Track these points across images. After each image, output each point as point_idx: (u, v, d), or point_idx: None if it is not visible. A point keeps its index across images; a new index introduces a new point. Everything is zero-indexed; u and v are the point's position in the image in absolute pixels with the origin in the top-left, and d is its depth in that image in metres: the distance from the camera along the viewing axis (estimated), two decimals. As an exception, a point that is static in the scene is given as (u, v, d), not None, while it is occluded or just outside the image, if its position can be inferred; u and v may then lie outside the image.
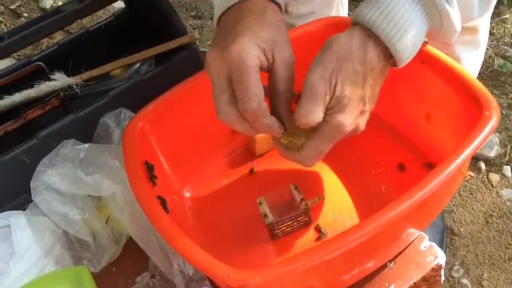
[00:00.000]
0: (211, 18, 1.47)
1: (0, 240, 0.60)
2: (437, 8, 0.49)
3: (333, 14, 0.95)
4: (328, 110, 0.49)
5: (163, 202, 0.58)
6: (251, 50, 0.47)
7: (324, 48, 0.50)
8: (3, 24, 1.51)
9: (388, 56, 0.51)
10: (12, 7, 1.53)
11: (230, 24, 0.50)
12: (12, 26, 1.50)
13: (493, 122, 0.54)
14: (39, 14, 1.52)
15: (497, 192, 1.13)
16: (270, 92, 0.51)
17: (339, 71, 0.48)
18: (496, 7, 1.37)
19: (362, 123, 0.52)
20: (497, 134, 1.19)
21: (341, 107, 0.49)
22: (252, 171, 0.69)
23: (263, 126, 0.49)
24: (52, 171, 0.61)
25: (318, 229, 0.63)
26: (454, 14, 0.50)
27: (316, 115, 0.48)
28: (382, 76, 0.52)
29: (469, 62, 0.80)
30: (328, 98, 0.48)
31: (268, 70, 0.50)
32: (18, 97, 0.73)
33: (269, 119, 0.48)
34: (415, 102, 0.66)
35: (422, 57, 0.61)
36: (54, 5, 1.54)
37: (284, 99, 0.51)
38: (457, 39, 0.75)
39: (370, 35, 0.49)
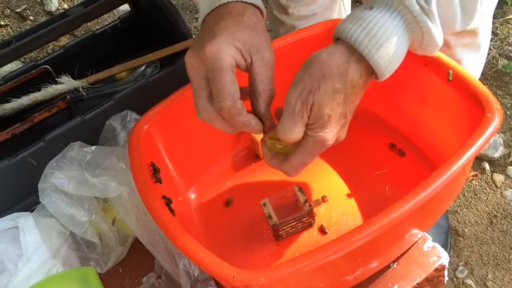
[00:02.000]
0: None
1: (8, 241, 0.61)
2: (419, 24, 0.50)
3: (335, 16, 0.95)
4: (310, 126, 0.50)
5: (168, 203, 0.58)
6: (226, 49, 0.48)
7: (304, 66, 0.50)
8: (9, 27, 1.52)
9: (370, 71, 0.51)
10: (18, 10, 1.54)
11: (209, 26, 0.51)
12: (18, 29, 1.51)
13: (495, 123, 0.54)
14: (44, 17, 1.53)
15: (502, 192, 1.13)
16: (250, 92, 0.51)
17: (316, 90, 0.48)
18: (500, 7, 1.37)
19: (343, 134, 0.53)
20: (501, 135, 1.19)
21: (322, 123, 0.49)
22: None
23: (239, 124, 0.49)
24: (59, 173, 0.62)
25: (321, 230, 0.63)
26: (436, 30, 0.50)
27: (295, 132, 0.50)
28: (363, 89, 0.52)
29: (470, 64, 0.80)
30: (306, 116, 0.49)
31: (247, 70, 0.51)
32: (25, 100, 0.74)
33: (245, 118, 0.49)
34: (418, 104, 0.67)
35: (425, 59, 0.62)
36: (59, 7, 1.55)
37: (263, 99, 0.51)
38: (457, 41, 0.75)
39: (353, 52, 0.49)
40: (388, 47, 0.49)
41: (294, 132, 0.50)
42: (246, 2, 0.52)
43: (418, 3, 0.49)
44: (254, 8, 0.53)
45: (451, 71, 0.59)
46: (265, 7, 0.57)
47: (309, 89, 0.49)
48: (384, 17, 0.49)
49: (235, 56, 0.49)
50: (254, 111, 0.51)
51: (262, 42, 0.51)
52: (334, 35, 0.52)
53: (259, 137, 0.70)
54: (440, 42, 0.52)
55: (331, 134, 0.50)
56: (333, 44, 0.51)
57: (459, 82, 0.59)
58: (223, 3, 0.52)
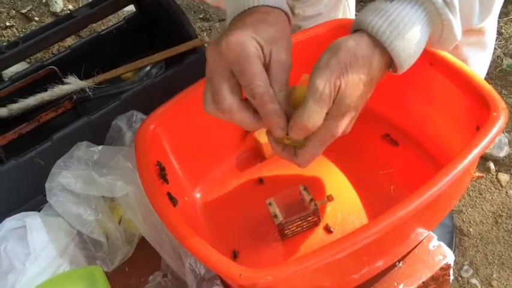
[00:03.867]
0: (220, 21, 1.48)
1: (16, 240, 0.62)
2: (441, 16, 0.50)
3: (340, 16, 0.95)
4: (328, 114, 0.49)
5: (174, 202, 0.59)
6: (249, 41, 0.48)
7: (330, 51, 0.49)
8: (14, 28, 1.53)
9: (389, 63, 0.51)
10: (24, 11, 1.55)
11: (234, 23, 0.51)
12: (23, 30, 1.52)
13: (501, 122, 0.54)
14: (49, 18, 1.54)
15: (507, 192, 1.13)
16: None
17: (343, 77, 0.48)
18: (505, 6, 1.37)
19: (348, 128, 0.52)
20: (506, 134, 1.18)
21: (340, 112, 0.49)
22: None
23: (270, 112, 0.48)
24: (66, 172, 0.62)
25: (327, 229, 0.64)
26: (456, 23, 0.50)
27: (320, 118, 0.48)
28: (377, 84, 0.52)
29: (477, 63, 0.80)
30: (331, 102, 0.48)
31: (264, 66, 0.50)
32: (32, 100, 0.74)
33: (277, 106, 0.48)
34: (423, 104, 0.67)
35: (430, 58, 0.62)
36: (64, 8, 1.56)
37: (278, 99, 0.50)
38: (463, 40, 0.75)
39: (376, 44, 0.49)
40: (410, 39, 0.49)
41: (319, 117, 0.48)
42: (272, 6, 0.52)
43: None
44: (280, 11, 0.53)
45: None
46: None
47: (337, 75, 0.47)
48: (406, 8, 0.49)
49: (257, 49, 0.48)
50: None
51: (283, 43, 0.50)
52: (353, 27, 0.51)
53: (263, 139, 0.70)
54: (459, 36, 0.51)
55: (343, 124, 0.50)
56: (357, 34, 0.50)
57: (465, 81, 0.59)
58: (250, 8, 0.52)
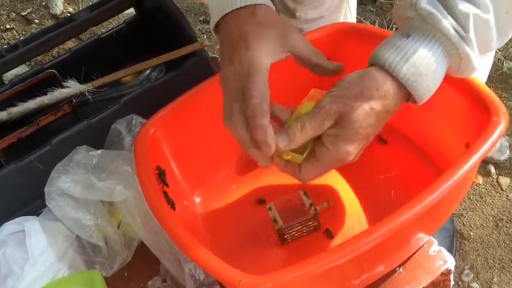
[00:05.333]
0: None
1: (14, 245, 0.62)
2: (458, 51, 0.50)
3: (341, 19, 0.95)
4: (334, 136, 0.50)
5: (173, 207, 0.58)
6: (261, 57, 0.50)
7: (346, 80, 0.51)
8: (14, 31, 1.53)
9: (407, 97, 0.52)
10: (23, 14, 1.55)
11: (232, 35, 0.52)
12: (23, 33, 1.52)
13: (502, 127, 0.54)
14: (50, 20, 1.54)
15: (507, 196, 1.12)
16: (309, 67, 0.54)
17: (354, 102, 0.49)
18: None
19: (358, 156, 0.53)
20: (507, 138, 1.18)
21: (347, 136, 0.49)
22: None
23: (257, 127, 0.49)
24: (65, 177, 0.62)
25: (327, 234, 0.63)
26: (474, 55, 0.51)
27: (308, 131, 0.49)
28: (392, 116, 0.53)
29: (477, 67, 0.80)
30: (327, 122, 0.49)
31: (290, 57, 0.53)
32: (31, 104, 0.74)
33: (266, 121, 0.49)
34: (423, 108, 0.66)
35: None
36: (64, 11, 1.56)
37: (322, 60, 0.54)
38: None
39: (394, 79, 0.50)
40: (428, 74, 0.50)
41: (307, 131, 0.49)
42: (256, 4, 0.53)
43: (457, 31, 0.49)
44: (264, 6, 0.53)
45: None
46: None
47: (346, 100, 0.49)
48: (423, 44, 0.50)
49: (272, 59, 0.51)
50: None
51: (285, 30, 0.52)
52: (370, 61, 0.52)
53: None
54: (478, 66, 0.52)
55: (350, 150, 0.50)
56: (373, 68, 0.51)
57: (465, 86, 0.59)
58: (235, 9, 0.52)
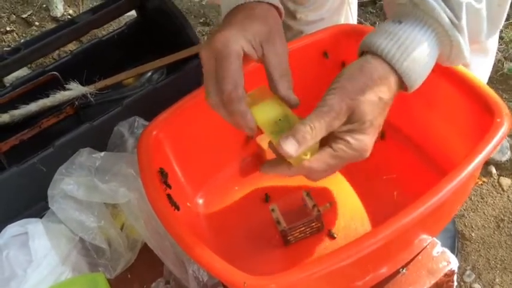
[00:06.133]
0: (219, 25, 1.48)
1: (18, 247, 0.61)
2: (450, 38, 0.50)
3: (342, 20, 0.95)
4: (348, 131, 0.49)
5: (176, 208, 0.58)
6: (235, 39, 0.50)
7: (344, 74, 0.50)
8: (14, 33, 1.53)
9: (400, 84, 0.52)
10: (24, 16, 1.55)
11: (224, 20, 0.53)
12: (23, 35, 1.52)
13: (505, 128, 0.54)
14: (50, 23, 1.54)
15: (508, 196, 1.12)
16: (268, 82, 0.52)
17: (360, 96, 0.48)
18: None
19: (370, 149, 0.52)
20: (508, 139, 1.18)
21: (363, 128, 0.49)
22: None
23: (236, 112, 0.49)
24: (69, 179, 0.62)
25: (330, 235, 0.63)
26: (465, 43, 0.51)
27: (320, 129, 0.47)
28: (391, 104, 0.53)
29: (478, 69, 0.80)
30: (337, 122, 0.48)
31: (260, 61, 0.52)
32: (34, 106, 0.74)
33: (242, 107, 0.49)
34: (426, 109, 0.66)
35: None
36: (65, 13, 1.56)
37: (282, 85, 0.52)
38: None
39: (389, 65, 0.50)
40: (420, 60, 0.50)
41: (317, 132, 0.47)
42: (261, 1, 0.53)
43: (449, 18, 0.49)
44: (268, 5, 0.54)
45: None
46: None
47: (352, 96, 0.48)
48: (415, 30, 0.50)
49: (244, 46, 0.50)
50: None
51: (273, 33, 0.52)
52: (361, 48, 0.52)
53: (265, 144, 0.70)
54: (468, 55, 0.52)
55: (370, 142, 0.50)
56: (368, 56, 0.51)
57: (468, 87, 0.59)
58: (241, 4, 0.53)
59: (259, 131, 0.52)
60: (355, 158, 0.51)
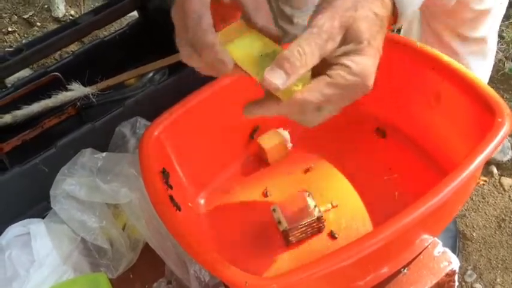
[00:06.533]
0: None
1: (20, 247, 0.62)
2: None
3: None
4: (344, 54, 0.42)
5: (178, 209, 0.59)
6: None
7: None
8: (16, 34, 1.53)
9: (392, 10, 0.46)
10: (25, 16, 1.56)
11: None
12: (25, 35, 1.52)
13: (506, 128, 0.54)
14: (51, 23, 1.54)
15: (510, 196, 1.12)
16: (243, 19, 0.47)
17: (353, 12, 0.42)
18: (506, 10, 1.37)
19: (373, 78, 0.44)
20: (509, 139, 1.18)
21: (360, 48, 0.42)
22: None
23: (203, 47, 0.43)
24: (71, 179, 0.62)
25: (331, 235, 0.63)
26: None
27: (311, 52, 0.40)
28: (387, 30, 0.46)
29: (477, 71, 0.80)
30: (331, 43, 0.41)
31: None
32: (36, 107, 0.74)
33: (209, 38, 0.42)
34: (427, 109, 0.67)
35: (433, 63, 0.62)
36: (66, 14, 1.56)
37: (258, 18, 0.46)
38: (464, 49, 0.74)
39: None
40: None
41: (308, 58, 0.40)
42: None
43: None
44: None
45: None
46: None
47: (342, 12, 0.42)
48: None
49: None
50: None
51: None
52: None
53: (267, 144, 0.70)
54: None
55: (372, 67, 0.42)
56: None
57: (469, 87, 0.59)
58: None
59: (239, 70, 0.44)
60: (357, 87, 0.42)
